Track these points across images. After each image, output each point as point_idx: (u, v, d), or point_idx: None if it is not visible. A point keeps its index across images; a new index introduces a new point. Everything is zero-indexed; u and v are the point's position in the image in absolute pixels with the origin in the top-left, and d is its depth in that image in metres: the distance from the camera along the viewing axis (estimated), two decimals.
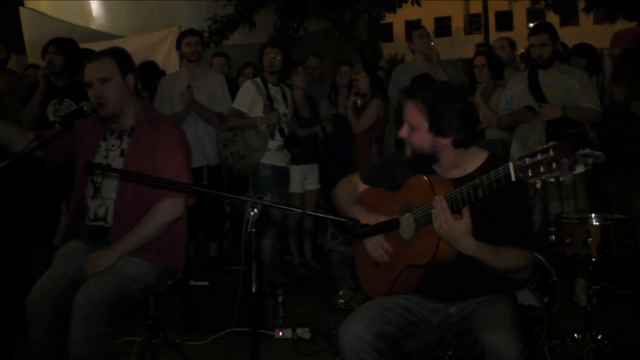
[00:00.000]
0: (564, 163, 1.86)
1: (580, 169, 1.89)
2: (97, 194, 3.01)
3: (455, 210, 2.24)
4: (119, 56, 3.04)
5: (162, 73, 6.31)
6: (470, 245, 2.25)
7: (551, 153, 1.89)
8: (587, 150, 1.87)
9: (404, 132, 2.48)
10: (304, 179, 5.66)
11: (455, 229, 2.21)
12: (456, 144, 2.41)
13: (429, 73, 5.37)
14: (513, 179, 2.02)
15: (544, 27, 4.57)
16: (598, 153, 1.87)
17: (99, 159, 3.03)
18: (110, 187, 2.98)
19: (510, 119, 4.70)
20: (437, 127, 2.38)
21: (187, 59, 5.44)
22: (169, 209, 2.95)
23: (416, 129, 2.43)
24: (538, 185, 1.97)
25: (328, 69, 6.87)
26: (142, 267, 2.90)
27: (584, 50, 5.52)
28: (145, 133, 3.01)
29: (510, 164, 2.02)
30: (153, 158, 2.95)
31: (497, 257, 2.31)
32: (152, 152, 2.96)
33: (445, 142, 2.41)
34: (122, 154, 3.00)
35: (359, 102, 5.53)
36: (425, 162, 2.48)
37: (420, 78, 4.02)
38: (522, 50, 7.22)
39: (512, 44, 6.25)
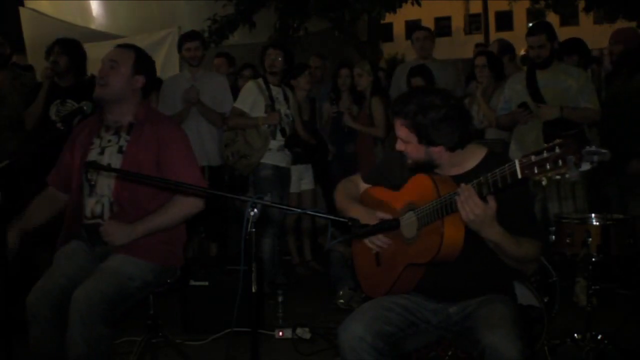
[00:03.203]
0: (570, 160, 1.87)
1: (586, 167, 1.89)
2: (92, 192, 3.00)
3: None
4: (142, 57, 3.07)
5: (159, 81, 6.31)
6: (496, 230, 2.26)
7: (557, 150, 1.90)
8: (594, 148, 1.88)
9: (399, 146, 2.52)
10: (299, 179, 5.67)
11: (486, 213, 2.20)
12: (451, 149, 2.43)
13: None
14: (519, 176, 2.03)
15: (541, 28, 4.54)
16: (604, 151, 1.88)
17: (93, 155, 3.01)
18: (105, 184, 2.98)
19: (509, 119, 4.69)
20: (426, 139, 2.41)
21: (188, 63, 5.46)
22: (193, 203, 2.99)
23: (409, 143, 2.46)
24: (544, 183, 1.98)
25: (328, 69, 6.86)
26: (140, 266, 2.90)
27: (575, 46, 5.49)
28: (146, 131, 3.00)
29: (517, 161, 2.04)
30: (157, 157, 2.95)
31: (517, 244, 2.32)
32: (156, 151, 2.96)
33: (439, 149, 2.43)
34: (120, 151, 3.00)
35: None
36: (425, 169, 2.50)
37: (407, 94, 4.00)
38: (523, 52, 7.22)
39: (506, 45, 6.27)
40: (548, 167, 1.93)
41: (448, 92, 2.51)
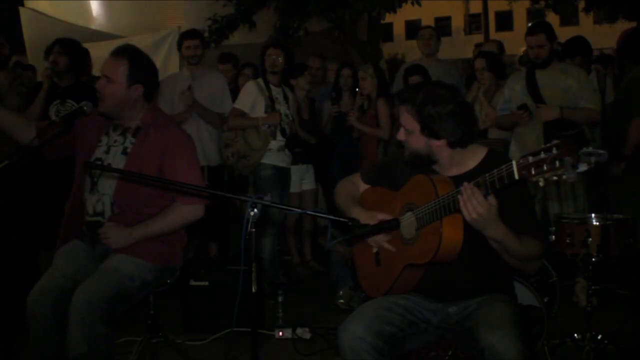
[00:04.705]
0: (567, 161, 1.86)
1: (583, 168, 1.89)
2: (94, 189, 3.00)
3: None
4: (136, 65, 2.98)
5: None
6: (500, 228, 2.24)
7: (554, 151, 1.90)
8: (590, 149, 1.88)
9: (400, 135, 2.52)
10: (301, 179, 5.67)
11: (489, 211, 2.18)
12: (452, 145, 2.43)
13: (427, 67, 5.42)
14: (516, 177, 2.03)
15: (540, 28, 4.51)
16: (601, 152, 1.88)
17: (98, 153, 3.02)
18: (107, 184, 2.98)
19: (509, 120, 4.68)
20: (429, 130, 2.41)
21: (187, 62, 5.46)
22: (192, 210, 2.99)
23: (411, 132, 2.46)
24: (541, 184, 1.98)
25: (329, 70, 6.84)
26: (139, 266, 2.90)
27: (578, 47, 5.45)
28: (151, 135, 3.00)
29: (514, 162, 2.03)
30: (161, 162, 2.95)
31: (520, 242, 2.31)
32: (160, 156, 2.96)
33: (440, 143, 2.43)
34: (124, 152, 3.00)
35: (365, 104, 5.57)
36: (423, 163, 2.49)
37: (416, 84, 4.01)
38: (522, 53, 7.22)
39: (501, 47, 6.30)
40: (545, 168, 1.92)
41: (457, 89, 2.51)
